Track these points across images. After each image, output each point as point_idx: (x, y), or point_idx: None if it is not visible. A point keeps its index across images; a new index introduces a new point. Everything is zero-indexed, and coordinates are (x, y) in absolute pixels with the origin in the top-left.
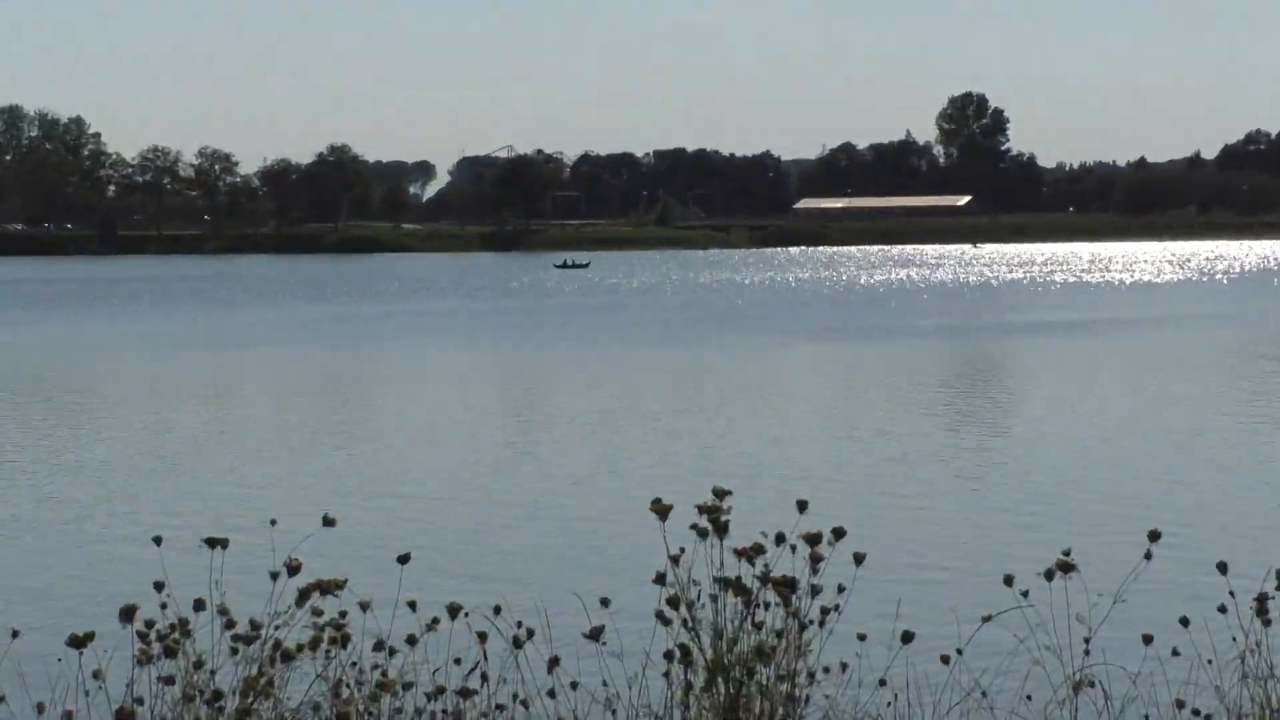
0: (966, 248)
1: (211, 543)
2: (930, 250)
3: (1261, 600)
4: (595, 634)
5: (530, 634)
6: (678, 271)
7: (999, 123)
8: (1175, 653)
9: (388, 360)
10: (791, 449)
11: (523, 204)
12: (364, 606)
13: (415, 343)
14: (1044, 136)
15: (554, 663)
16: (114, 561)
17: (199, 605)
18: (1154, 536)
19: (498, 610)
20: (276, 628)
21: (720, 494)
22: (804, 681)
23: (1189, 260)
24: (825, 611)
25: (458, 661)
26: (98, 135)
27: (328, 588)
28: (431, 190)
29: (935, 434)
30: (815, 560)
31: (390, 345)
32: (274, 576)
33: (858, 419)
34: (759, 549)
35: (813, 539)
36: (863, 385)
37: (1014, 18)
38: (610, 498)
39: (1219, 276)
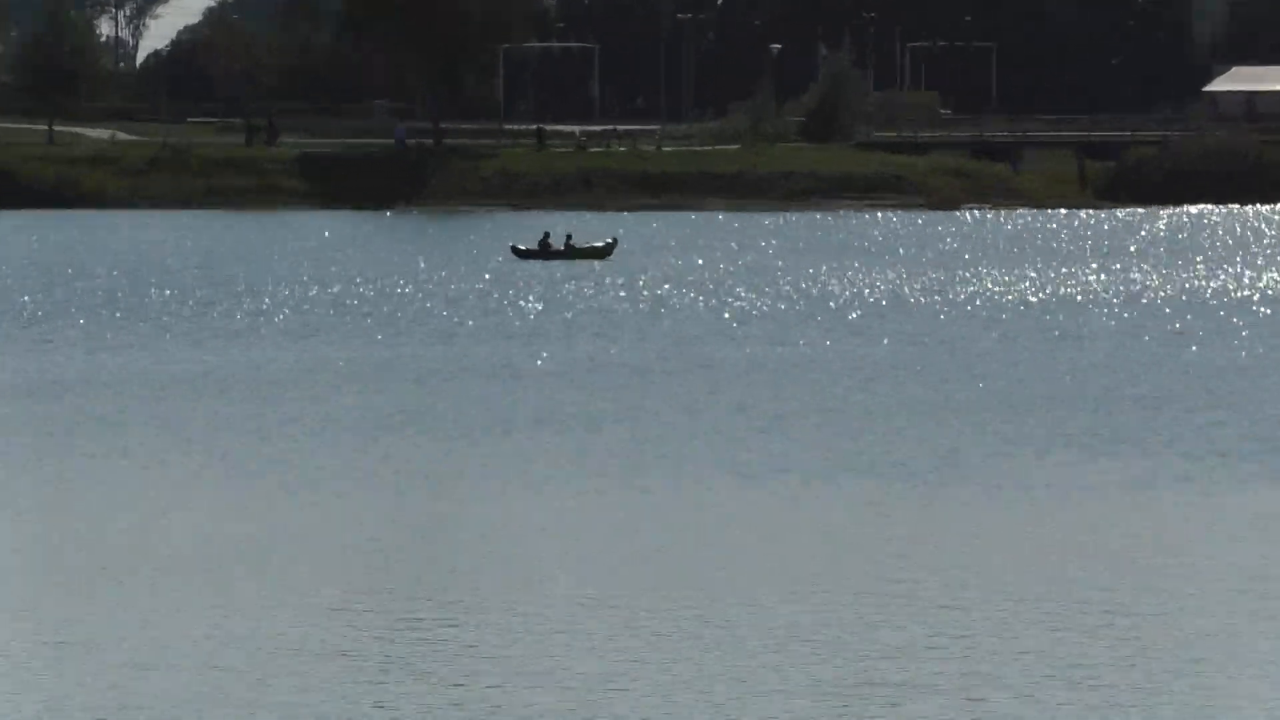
0: None
1: None
2: None
3: None
4: None
5: None
6: (886, 264)
7: None
8: None
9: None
10: None
11: (428, 71)
12: None
13: (129, 456)
14: None
15: None
16: None
17: None
18: None
19: None
20: None
21: None
22: None
23: None
24: None
25: None
26: None
27: None
28: (161, 35)
29: None
30: None
31: (47, 463)
32: None
33: None
34: None
35: None
36: None
37: None
38: None
39: None
